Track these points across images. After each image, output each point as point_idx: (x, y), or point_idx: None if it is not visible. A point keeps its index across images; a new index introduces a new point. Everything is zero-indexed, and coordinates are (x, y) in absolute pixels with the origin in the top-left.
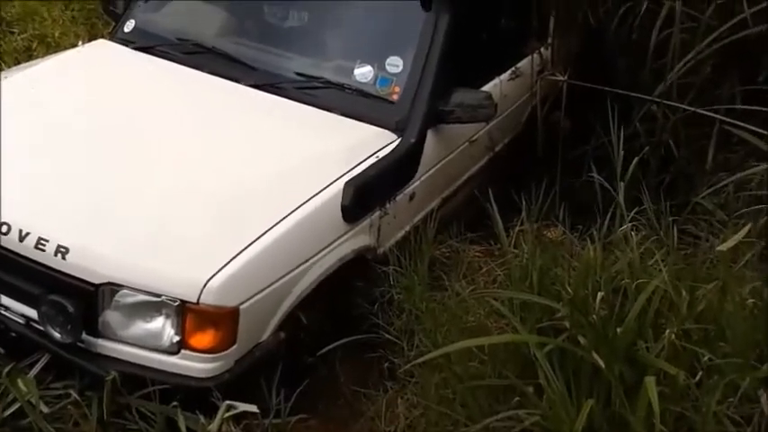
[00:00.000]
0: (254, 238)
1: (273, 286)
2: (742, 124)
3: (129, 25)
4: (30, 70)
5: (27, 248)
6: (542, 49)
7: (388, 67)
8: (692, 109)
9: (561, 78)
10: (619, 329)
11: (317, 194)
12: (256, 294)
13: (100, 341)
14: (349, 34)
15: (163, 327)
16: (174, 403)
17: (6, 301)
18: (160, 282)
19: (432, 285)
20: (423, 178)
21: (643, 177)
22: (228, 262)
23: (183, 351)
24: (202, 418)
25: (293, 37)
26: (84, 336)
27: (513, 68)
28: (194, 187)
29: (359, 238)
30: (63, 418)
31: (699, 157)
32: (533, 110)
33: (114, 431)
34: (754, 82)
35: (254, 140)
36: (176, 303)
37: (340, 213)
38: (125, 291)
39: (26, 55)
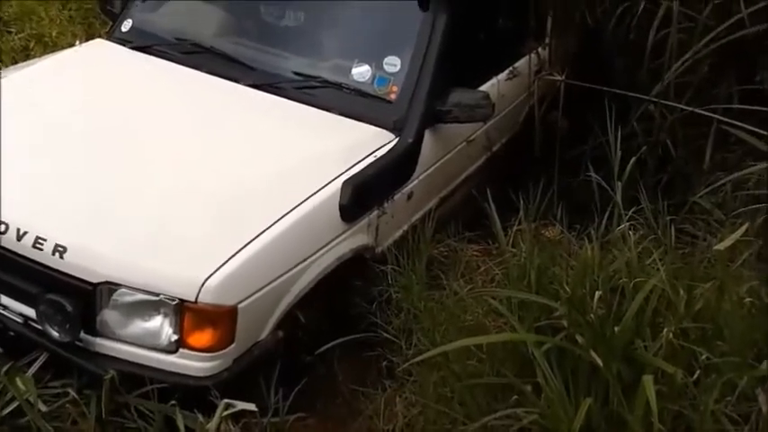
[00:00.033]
0: (252, 238)
1: (272, 285)
2: (739, 124)
3: (126, 25)
4: (27, 70)
5: (25, 248)
6: (540, 49)
7: (385, 67)
8: (690, 109)
9: (559, 78)
10: (616, 328)
11: (315, 194)
12: (255, 293)
13: (98, 340)
14: (347, 34)
15: (161, 326)
16: (173, 402)
17: (5, 300)
18: (158, 281)
19: (430, 284)
20: (421, 178)
21: (641, 177)
22: (226, 261)
23: (181, 350)
24: (201, 417)
25: (291, 37)
26: (82, 335)
27: (511, 68)
28: (192, 186)
29: (357, 238)
30: (61, 417)
31: (696, 157)
32: (531, 110)
33: (112, 430)
34: (752, 82)
35: (251, 140)
36: (174, 302)
37: (338, 213)
38: (123, 290)
39: (23, 54)
